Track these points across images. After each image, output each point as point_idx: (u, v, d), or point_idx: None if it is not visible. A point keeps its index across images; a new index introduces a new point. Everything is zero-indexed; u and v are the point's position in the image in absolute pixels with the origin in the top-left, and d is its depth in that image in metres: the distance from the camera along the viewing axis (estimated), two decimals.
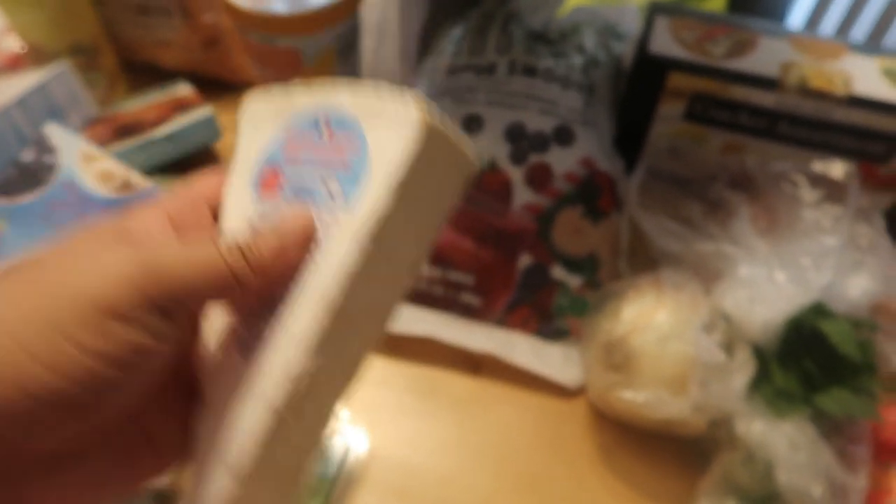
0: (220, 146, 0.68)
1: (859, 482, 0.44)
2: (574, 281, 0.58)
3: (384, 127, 0.24)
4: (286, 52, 0.63)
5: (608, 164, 0.62)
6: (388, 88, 0.25)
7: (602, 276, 0.59)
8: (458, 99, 0.62)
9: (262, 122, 0.28)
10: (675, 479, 0.52)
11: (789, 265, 0.49)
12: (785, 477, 0.43)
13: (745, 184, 0.60)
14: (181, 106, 0.63)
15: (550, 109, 0.61)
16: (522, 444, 0.54)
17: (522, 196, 0.59)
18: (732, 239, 0.55)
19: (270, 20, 0.60)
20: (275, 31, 0.61)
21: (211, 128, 0.64)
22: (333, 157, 0.25)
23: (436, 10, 0.70)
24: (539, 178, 0.59)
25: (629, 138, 0.66)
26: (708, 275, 0.54)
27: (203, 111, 0.63)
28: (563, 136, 0.60)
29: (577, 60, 0.63)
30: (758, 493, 0.46)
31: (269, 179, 0.26)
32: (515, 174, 0.59)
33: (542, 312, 0.58)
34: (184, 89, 0.65)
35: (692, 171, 0.63)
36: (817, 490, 0.42)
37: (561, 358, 0.56)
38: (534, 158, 0.60)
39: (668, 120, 0.64)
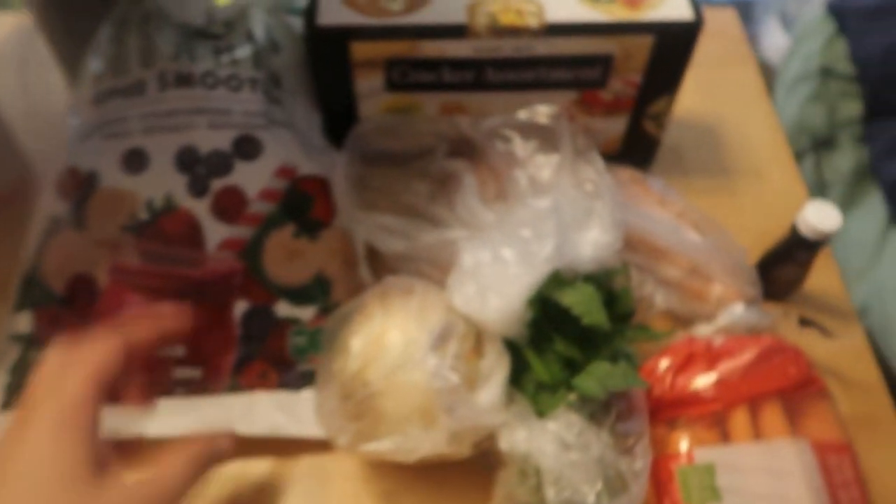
0: None
1: (638, 463, 0.39)
2: (306, 313, 0.49)
3: None
4: None
5: (315, 164, 0.53)
6: None
7: (338, 297, 0.50)
8: (111, 134, 0.50)
9: None
10: None
11: (513, 240, 0.43)
12: (553, 492, 0.37)
13: (465, 149, 0.53)
14: None
15: (223, 121, 0.50)
16: None
17: (215, 233, 0.48)
18: (460, 218, 0.48)
19: None
20: None
21: None
22: None
23: (68, 18, 0.56)
24: (230, 206, 0.49)
25: (341, 125, 0.57)
26: (444, 265, 0.47)
27: None
28: (247, 148, 0.50)
29: (244, 52, 0.53)
30: None
31: None
32: (200, 208, 0.49)
33: (279, 361, 0.48)
34: None
35: (410, 147, 0.55)
36: (591, 495, 0.37)
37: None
38: (217, 184, 0.49)
39: (372, 95, 0.55)
